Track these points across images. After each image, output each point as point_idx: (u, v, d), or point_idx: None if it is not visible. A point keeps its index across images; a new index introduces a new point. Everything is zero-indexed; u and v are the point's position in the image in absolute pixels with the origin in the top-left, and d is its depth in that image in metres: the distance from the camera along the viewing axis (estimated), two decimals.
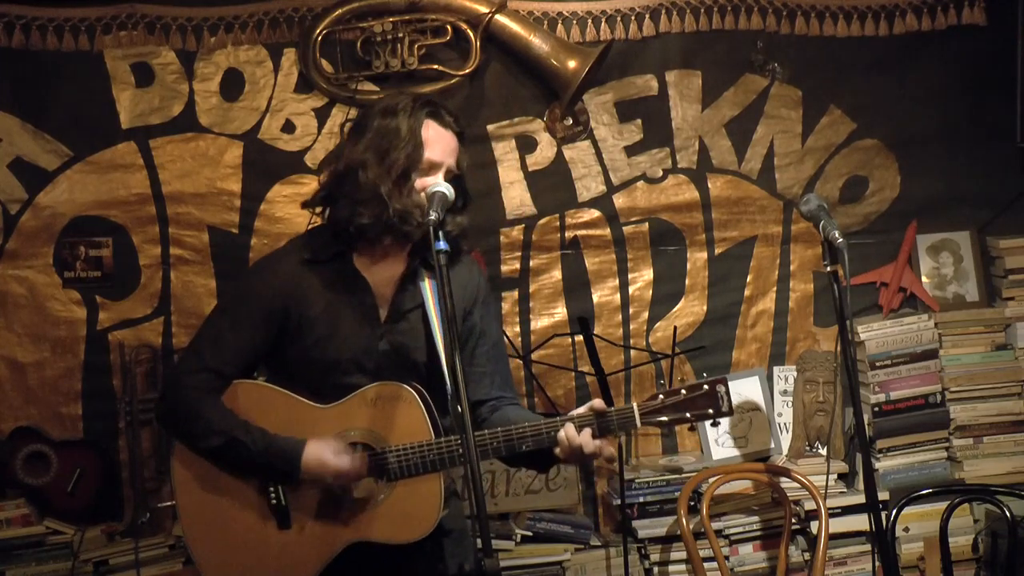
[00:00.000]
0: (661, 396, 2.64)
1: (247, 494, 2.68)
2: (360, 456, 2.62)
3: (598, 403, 2.61)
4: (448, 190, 2.57)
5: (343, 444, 2.62)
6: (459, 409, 2.43)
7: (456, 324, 2.47)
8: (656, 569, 3.93)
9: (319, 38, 3.87)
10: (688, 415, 2.64)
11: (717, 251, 4.16)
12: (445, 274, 2.42)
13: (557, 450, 2.60)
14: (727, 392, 2.64)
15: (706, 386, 2.64)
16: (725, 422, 4.04)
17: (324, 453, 2.60)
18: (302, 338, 2.68)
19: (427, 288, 2.70)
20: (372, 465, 2.64)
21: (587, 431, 2.58)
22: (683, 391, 2.64)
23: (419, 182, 2.62)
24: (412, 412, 2.64)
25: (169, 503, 3.01)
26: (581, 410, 2.61)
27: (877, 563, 3.69)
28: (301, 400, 2.68)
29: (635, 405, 2.62)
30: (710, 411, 2.64)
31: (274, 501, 2.66)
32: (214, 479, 2.69)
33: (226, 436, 2.63)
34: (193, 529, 2.72)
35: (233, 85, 3.94)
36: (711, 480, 3.86)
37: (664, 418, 2.64)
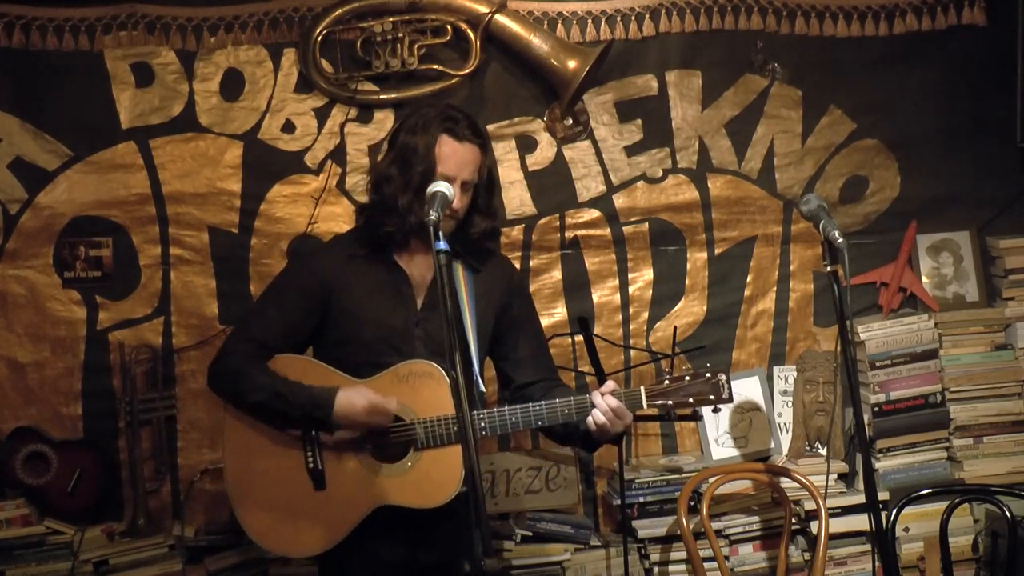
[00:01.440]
0: (666, 380, 2.90)
1: (288, 457, 2.93)
2: (390, 397, 2.87)
3: (608, 383, 2.90)
4: (447, 190, 2.72)
5: (372, 390, 2.86)
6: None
7: (455, 320, 2.68)
8: (656, 569, 3.93)
9: (319, 38, 3.87)
10: (691, 399, 2.90)
11: (717, 251, 4.16)
12: (445, 274, 2.53)
13: (592, 426, 2.87)
14: (728, 381, 2.91)
15: (708, 374, 2.90)
16: (725, 415, 4.07)
17: (353, 396, 2.85)
18: (343, 320, 2.96)
19: (461, 279, 2.99)
20: (401, 435, 2.90)
21: (609, 396, 2.86)
22: (687, 377, 2.90)
23: None
24: (440, 388, 2.86)
25: (218, 465, 3.24)
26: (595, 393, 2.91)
27: (877, 563, 3.69)
28: (338, 373, 2.94)
29: (642, 388, 2.89)
30: (711, 397, 2.91)
31: (311, 465, 2.91)
32: (259, 443, 2.96)
33: (269, 391, 2.88)
34: (237, 487, 2.98)
35: (233, 85, 3.94)
36: (711, 480, 3.86)
37: (669, 401, 2.89)
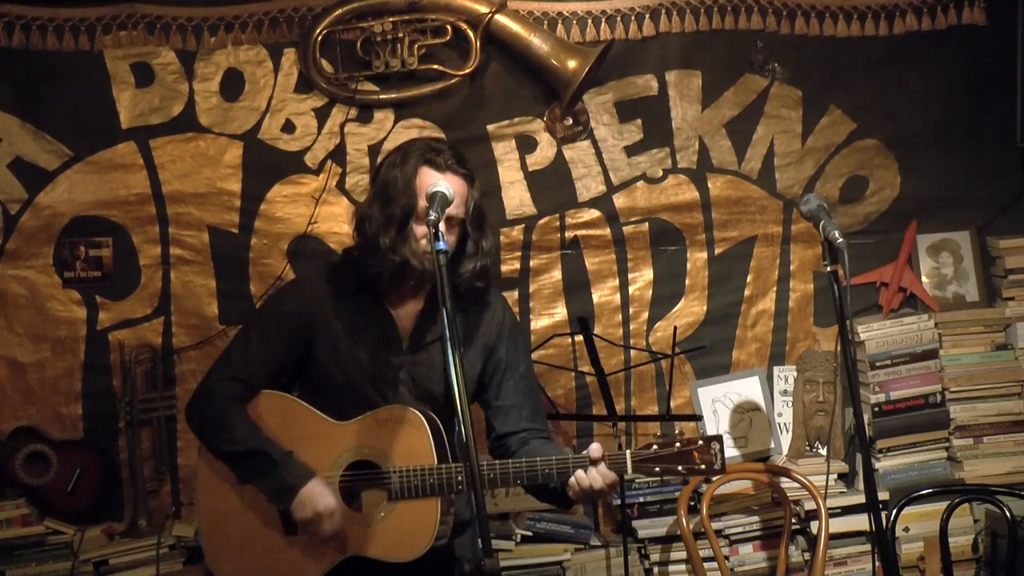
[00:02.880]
0: (655, 447, 2.72)
1: (260, 499, 2.82)
2: (338, 519, 2.76)
3: (595, 449, 2.69)
4: (447, 190, 2.66)
5: (337, 502, 2.76)
6: (459, 441, 2.52)
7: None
8: (656, 569, 3.93)
9: (319, 38, 3.87)
10: (680, 468, 2.70)
11: (717, 251, 4.16)
12: (444, 275, 2.48)
13: (570, 492, 2.71)
14: (721, 449, 2.70)
15: (701, 441, 2.70)
16: (725, 415, 4.07)
17: (317, 501, 2.74)
18: (326, 360, 2.84)
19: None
20: (376, 483, 2.78)
21: (592, 471, 2.68)
22: (677, 444, 2.71)
23: (418, 230, 2.75)
24: (418, 436, 2.75)
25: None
26: (581, 455, 2.71)
27: (877, 563, 3.69)
28: (319, 415, 2.82)
29: (628, 453, 2.71)
30: (702, 467, 2.70)
31: (283, 508, 2.79)
32: (233, 482, 2.84)
33: (246, 446, 2.78)
34: (207, 526, 2.90)
35: (233, 85, 3.94)
36: (711, 480, 3.86)
37: (656, 468, 2.71)
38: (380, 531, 2.77)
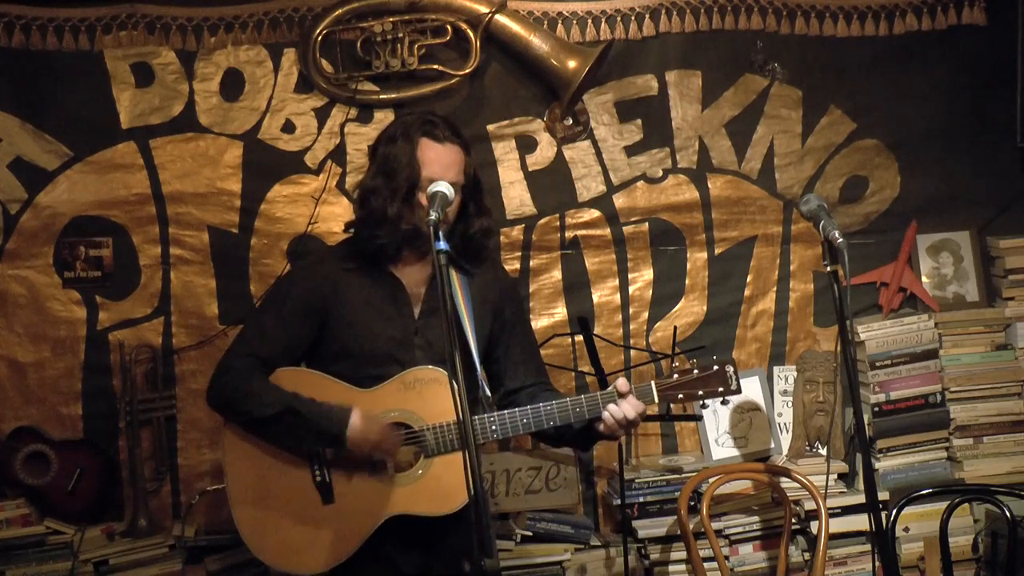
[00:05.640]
0: (676, 375, 2.92)
1: (293, 471, 2.89)
2: (398, 434, 2.84)
3: (622, 384, 2.86)
4: (448, 190, 2.74)
5: (386, 423, 2.84)
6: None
7: (454, 320, 2.72)
8: (656, 569, 3.93)
9: (319, 38, 3.87)
10: (700, 392, 2.92)
11: (717, 251, 4.16)
12: (445, 274, 2.52)
13: (601, 426, 2.87)
14: (735, 372, 2.93)
15: (716, 367, 2.93)
16: (725, 415, 4.08)
17: (369, 426, 2.82)
18: (341, 333, 2.92)
19: (456, 283, 2.95)
20: (410, 442, 2.87)
21: (623, 403, 2.85)
22: (695, 371, 2.92)
23: (424, 199, 2.86)
24: (448, 394, 2.79)
25: (219, 486, 3.17)
26: (608, 390, 2.89)
27: (877, 563, 3.69)
28: (342, 384, 2.90)
29: (653, 383, 2.90)
30: (720, 389, 2.93)
31: (318, 478, 2.88)
32: (262, 459, 2.91)
33: (279, 405, 2.84)
34: (240, 506, 2.92)
35: (233, 85, 3.94)
36: (711, 480, 3.86)
37: (679, 395, 2.91)
38: (420, 488, 2.86)
